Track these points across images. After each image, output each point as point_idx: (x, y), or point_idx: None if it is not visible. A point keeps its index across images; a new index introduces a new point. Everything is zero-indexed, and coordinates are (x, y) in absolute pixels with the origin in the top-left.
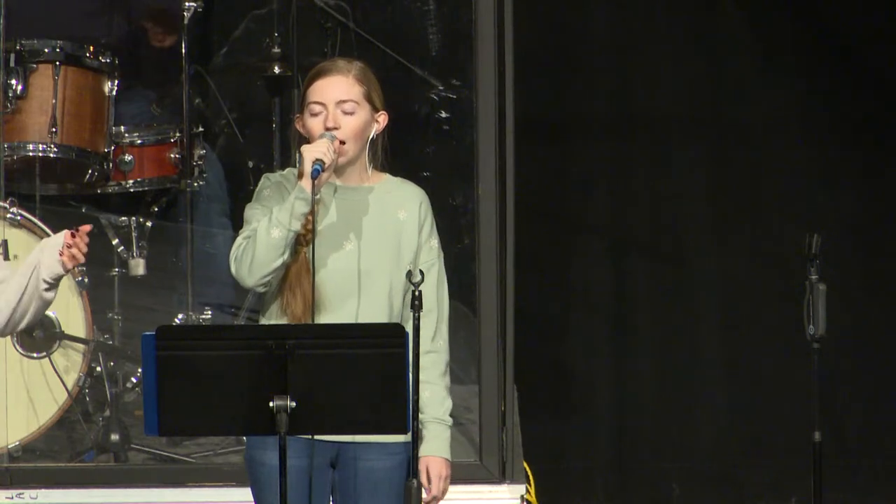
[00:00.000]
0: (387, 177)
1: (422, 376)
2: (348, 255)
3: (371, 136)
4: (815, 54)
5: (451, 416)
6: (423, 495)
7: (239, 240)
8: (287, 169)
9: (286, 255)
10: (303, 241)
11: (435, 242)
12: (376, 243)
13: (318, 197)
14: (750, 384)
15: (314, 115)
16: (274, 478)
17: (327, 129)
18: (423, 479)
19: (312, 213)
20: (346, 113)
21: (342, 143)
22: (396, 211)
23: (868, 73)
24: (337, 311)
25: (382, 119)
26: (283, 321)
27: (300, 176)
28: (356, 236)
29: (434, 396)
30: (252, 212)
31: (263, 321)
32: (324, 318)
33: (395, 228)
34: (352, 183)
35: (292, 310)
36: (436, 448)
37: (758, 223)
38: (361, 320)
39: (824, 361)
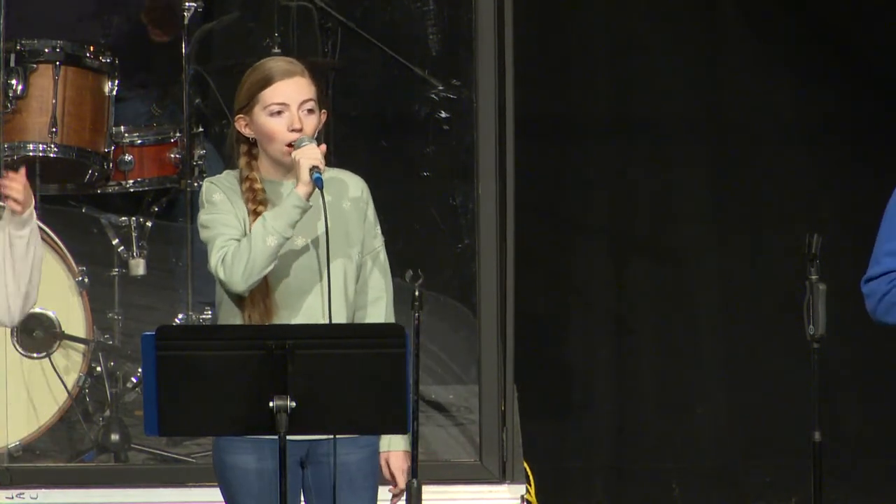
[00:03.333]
0: (326, 169)
1: None
2: (300, 251)
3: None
4: (815, 54)
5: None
6: (391, 490)
7: (220, 242)
8: (225, 172)
9: (276, 260)
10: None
11: (378, 228)
12: (327, 236)
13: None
14: (750, 384)
15: (274, 115)
16: (244, 479)
17: (292, 131)
18: (386, 475)
19: (325, 218)
20: (308, 112)
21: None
22: (340, 201)
23: (868, 73)
24: (295, 308)
25: (324, 116)
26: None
27: (244, 178)
28: (307, 232)
29: None
30: (212, 216)
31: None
32: (283, 318)
33: (341, 219)
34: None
35: (252, 317)
36: (394, 442)
37: (758, 223)
38: (322, 315)
39: (824, 361)
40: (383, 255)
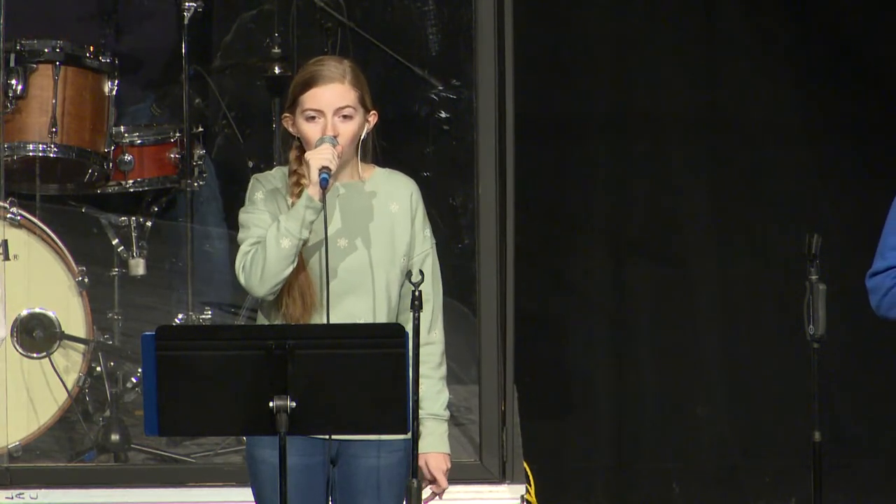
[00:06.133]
0: (376, 169)
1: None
2: (344, 253)
3: (362, 137)
4: (815, 54)
5: (448, 408)
6: (427, 491)
7: (244, 247)
8: (275, 168)
9: (295, 263)
10: (299, 248)
11: (428, 232)
12: (371, 240)
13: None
14: (750, 384)
15: (310, 120)
16: (273, 475)
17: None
18: (426, 475)
19: (324, 220)
20: (344, 118)
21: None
22: (388, 204)
23: (868, 73)
24: (334, 309)
25: (373, 118)
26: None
27: (291, 172)
28: (350, 233)
29: (429, 391)
30: (248, 216)
31: (262, 322)
32: (322, 318)
33: (388, 222)
34: (345, 180)
35: (290, 311)
36: (433, 444)
37: (758, 223)
38: (361, 317)
39: (824, 361)
40: (431, 260)
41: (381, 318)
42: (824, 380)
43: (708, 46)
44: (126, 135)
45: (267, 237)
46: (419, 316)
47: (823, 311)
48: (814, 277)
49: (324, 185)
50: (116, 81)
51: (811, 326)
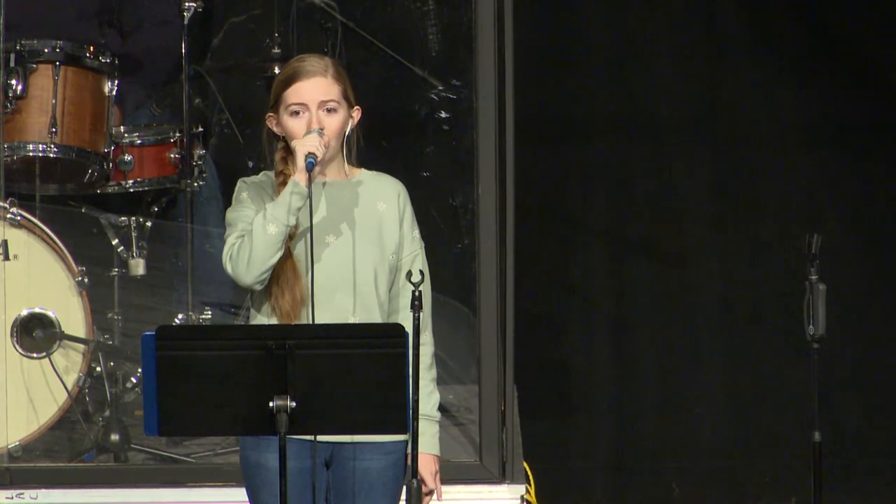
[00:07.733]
0: (363, 171)
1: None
2: (332, 249)
3: (347, 132)
4: (815, 55)
5: (440, 409)
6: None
7: (231, 239)
8: (262, 172)
9: (282, 251)
10: (286, 235)
11: (416, 233)
12: (359, 236)
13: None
14: (750, 384)
15: (294, 115)
16: (269, 479)
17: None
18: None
19: (310, 207)
20: (328, 112)
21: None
22: (376, 202)
23: (868, 74)
24: (325, 304)
25: (357, 114)
26: (273, 319)
27: (277, 173)
28: (339, 230)
29: (421, 392)
30: (236, 214)
31: (255, 319)
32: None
33: (376, 220)
34: (332, 178)
35: (280, 306)
36: (423, 444)
37: (758, 223)
38: (350, 312)
39: (824, 361)
40: (420, 260)
41: (373, 314)
42: (824, 380)
43: (708, 46)
44: (126, 135)
45: (254, 224)
46: (419, 316)
47: (823, 311)
48: (814, 277)
49: (310, 168)
50: (116, 81)
51: (811, 326)
